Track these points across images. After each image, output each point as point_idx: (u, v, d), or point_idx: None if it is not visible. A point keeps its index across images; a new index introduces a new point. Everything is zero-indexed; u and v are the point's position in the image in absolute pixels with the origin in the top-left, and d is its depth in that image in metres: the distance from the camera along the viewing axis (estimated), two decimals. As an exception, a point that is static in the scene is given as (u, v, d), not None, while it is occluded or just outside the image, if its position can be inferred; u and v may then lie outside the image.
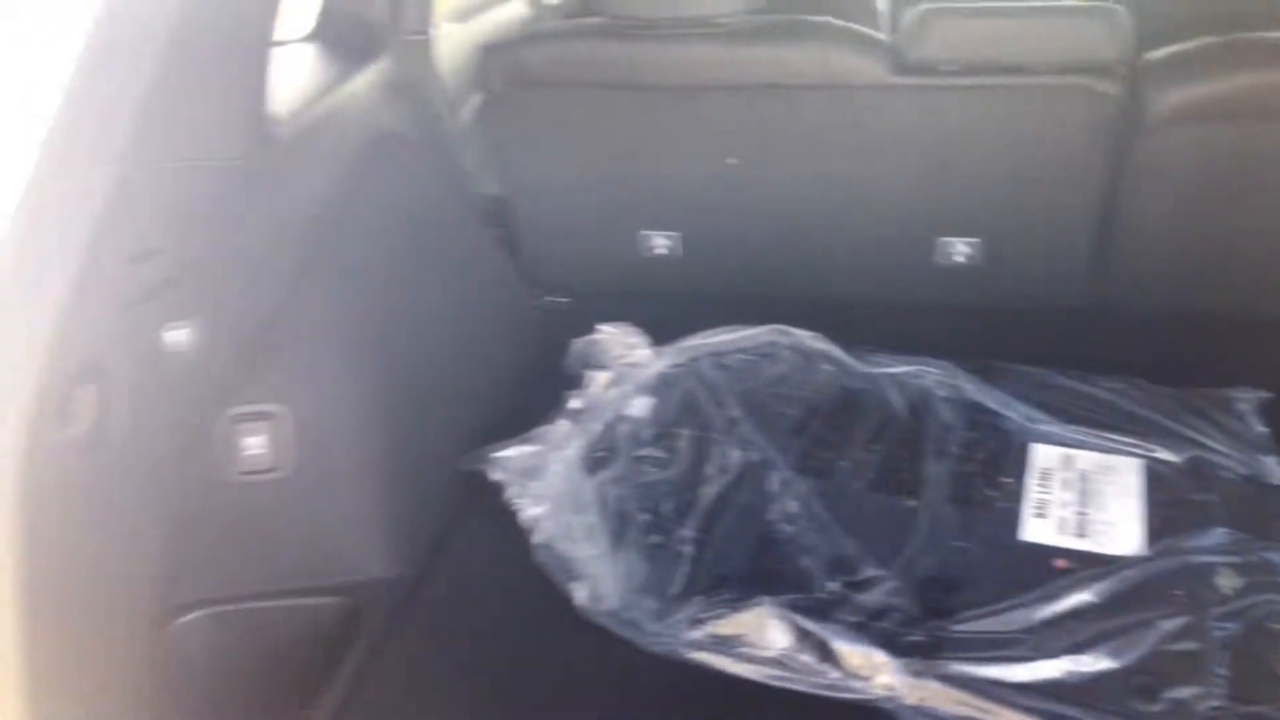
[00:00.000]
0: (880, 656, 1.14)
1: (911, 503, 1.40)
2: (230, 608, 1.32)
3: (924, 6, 1.74)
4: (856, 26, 1.81)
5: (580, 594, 1.32)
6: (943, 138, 1.76)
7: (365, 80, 1.64)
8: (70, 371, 0.85)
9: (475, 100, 2.19)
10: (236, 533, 1.29)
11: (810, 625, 1.18)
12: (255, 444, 1.30)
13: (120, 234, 0.87)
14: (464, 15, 2.29)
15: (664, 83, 1.78)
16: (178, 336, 0.99)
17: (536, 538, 1.40)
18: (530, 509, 1.43)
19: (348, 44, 1.69)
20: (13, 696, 0.87)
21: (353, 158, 1.45)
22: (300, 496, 1.34)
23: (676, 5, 1.72)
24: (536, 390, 1.71)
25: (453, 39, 2.14)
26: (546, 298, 2.03)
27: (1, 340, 0.80)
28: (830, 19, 1.79)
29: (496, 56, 1.84)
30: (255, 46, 1.10)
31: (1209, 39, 1.70)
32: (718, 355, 1.71)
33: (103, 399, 0.89)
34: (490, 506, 1.46)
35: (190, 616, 1.27)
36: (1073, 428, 1.50)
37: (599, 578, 1.33)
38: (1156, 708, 1.09)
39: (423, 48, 1.86)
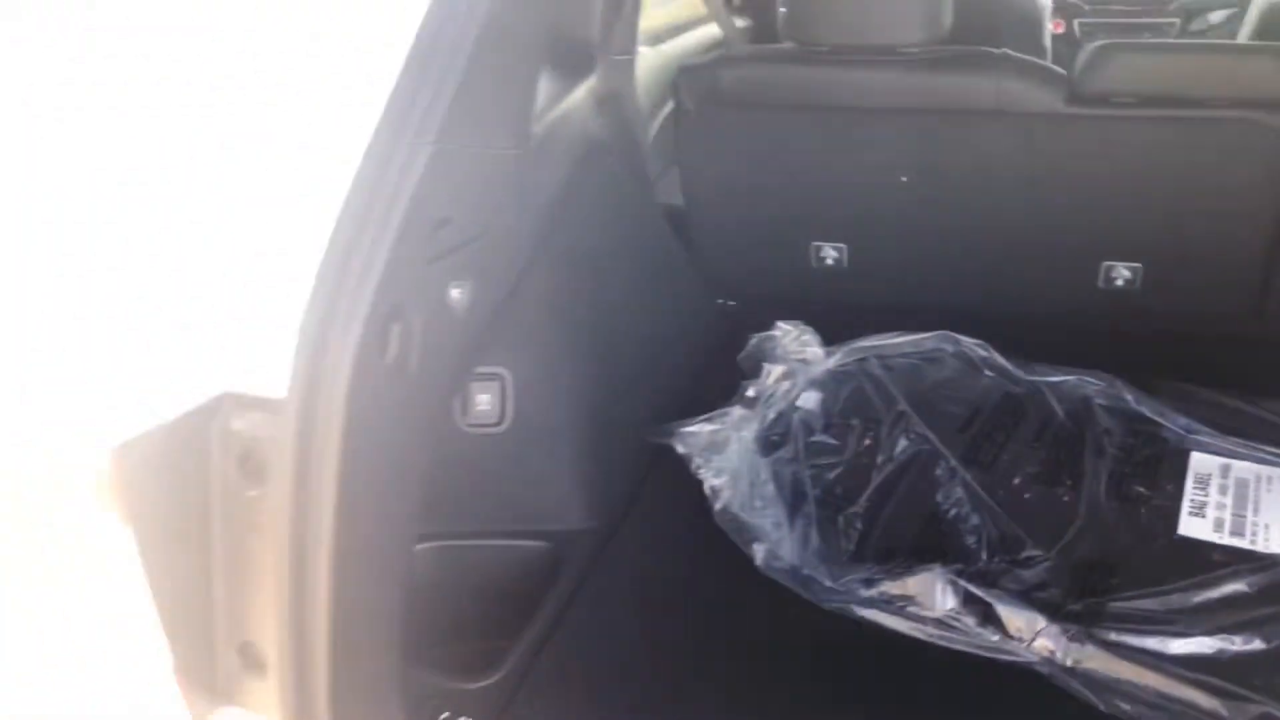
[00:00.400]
0: (1040, 621, 1.25)
1: (1070, 496, 1.50)
2: (451, 543, 1.51)
3: (1100, 42, 1.84)
4: (1032, 59, 1.92)
5: (759, 554, 1.47)
6: (1112, 166, 1.85)
7: (580, 94, 1.83)
8: (386, 310, 1.04)
9: (661, 116, 2.39)
10: (462, 476, 1.49)
11: (976, 590, 1.30)
12: (484, 400, 1.49)
13: (429, 202, 1.07)
14: (656, 39, 2.49)
15: (846, 105, 1.92)
16: (457, 294, 1.19)
17: (718, 504, 1.55)
18: (712, 479, 1.59)
19: (564, 61, 1.89)
20: (321, 584, 1.07)
21: (573, 160, 1.64)
22: (515, 451, 1.53)
23: (864, 34, 1.86)
24: (713, 379, 1.86)
25: (644, 59, 2.33)
26: (719, 300, 2.20)
27: (346, 278, 1.00)
28: (1007, 51, 1.91)
29: (692, 76, 2.02)
30: (534, 55, 1.30)
31: None
32: (885, 357, 1.83)
33: (404, 338, 1.09)
34: (676, 475, 1.62)
35: (420, 547, 1.47)
36: (1233, 440, 1.58)
37: (777, 541, 1.47)
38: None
39: (627, 67, 2.05)
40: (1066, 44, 3.77)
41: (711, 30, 2.75)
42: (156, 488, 1.03)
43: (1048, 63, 2.02)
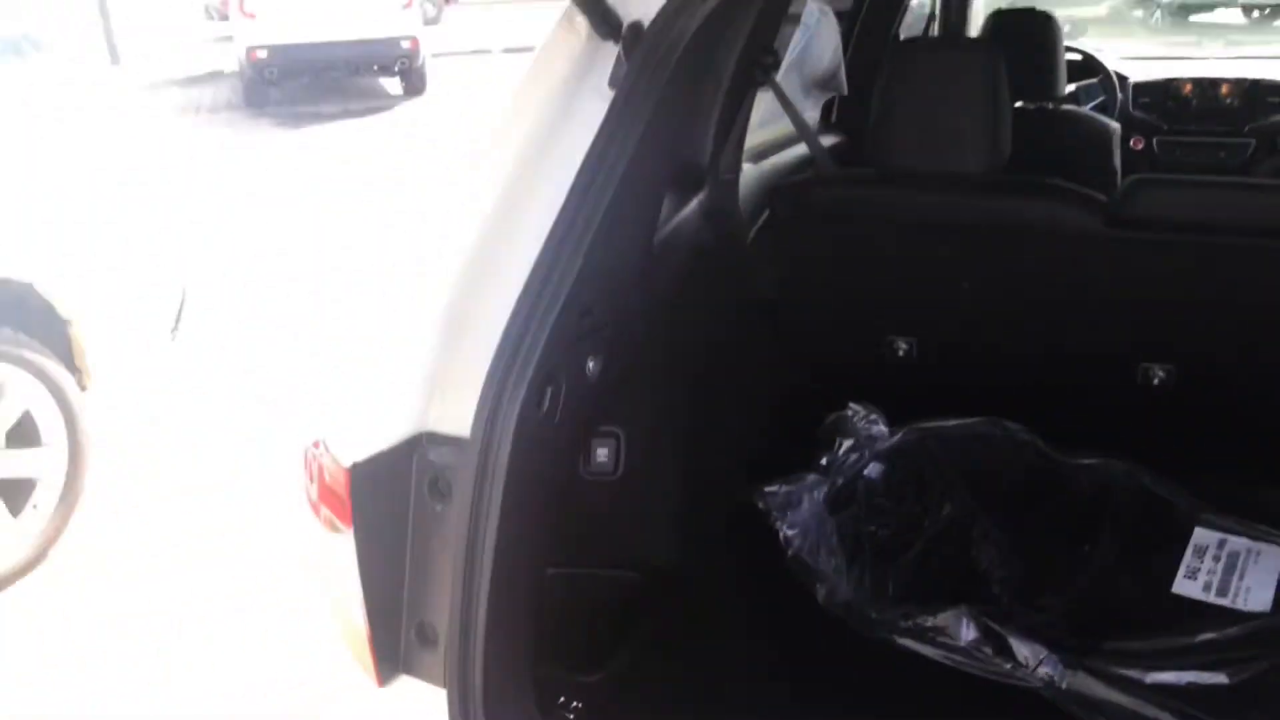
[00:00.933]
0: (1043, 652, 1.54)
1: (1085, 559, 1.79)
2: (567, 570, 1.86)
3: (1136, 176, 2.15)
4: (1077, 187, 2.23)
5: (821, 593, 1.79)
6: (1148, 281, 2.14)
7: (692, 207, 2.21)
8: (544, 375, 1.41)
9: (759, 223, 2.76)
10: (579, 516, 1.84)
11: (993, 625, 1.60)
12: (603, 454, 1.85)
13: (579, 296, 1.45)
14: (758, 157, 2.87)
15: (918, 221, 2.27)
16: (591, 365, 1.56)
17: (789, 551, 1.88)
18: (786, 530, 1.92)
19: (681, 182, 2.27)
20: (483, 580, 1.41)
21: (685, 263, 2.02)
22: (624, 497, 1.88)
23: (935, 162, 2.20)
24: (793, 449, 2.20)
25: (745, 174, 2.71)
26: (802, 381, 2.53)
27: (520, 351, 1.38)
28: (1059, 180, 2.23)
29: (786, 194, 2.39)
30: (661, 180, 1.69)
31: None
32: (942, 437, 2.15)
33: (553, 396, 1.46)
34: (755, 526, 1.96)
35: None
36: (1234, 518, 1.84)
37: (836, 583, 1.79)
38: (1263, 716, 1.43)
39: (732, 185, 2.42)
40: (1146, 161, 4.05)
41: (801, 149, 3.12)
42: (373, 498, 1.42)
43: (1094, 191, 2.32)
